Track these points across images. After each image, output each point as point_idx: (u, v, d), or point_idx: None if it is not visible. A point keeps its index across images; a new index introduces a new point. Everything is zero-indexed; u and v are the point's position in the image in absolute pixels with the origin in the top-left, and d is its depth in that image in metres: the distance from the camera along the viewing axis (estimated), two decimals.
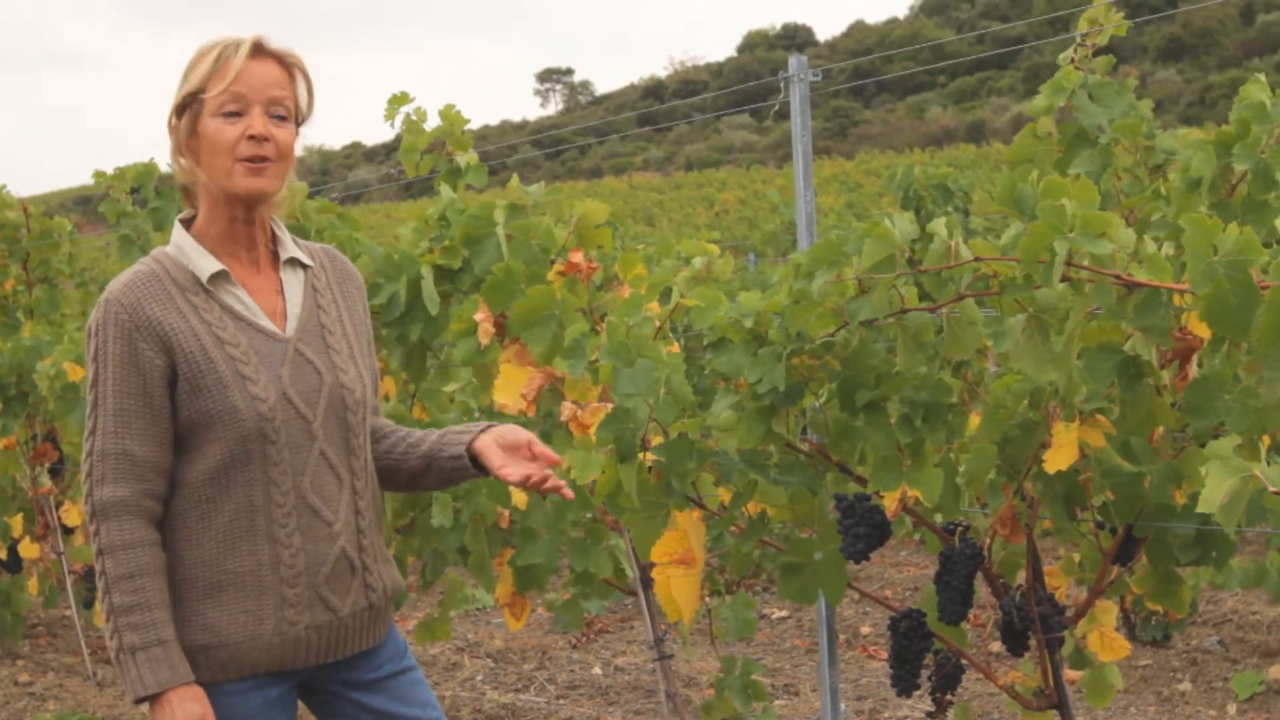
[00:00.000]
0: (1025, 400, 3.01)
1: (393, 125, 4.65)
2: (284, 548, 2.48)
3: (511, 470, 2.55)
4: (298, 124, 2.56)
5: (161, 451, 2.46)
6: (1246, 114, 2.97)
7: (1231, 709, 5.50)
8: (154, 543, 2.45)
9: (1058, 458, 2.85)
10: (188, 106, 2.49)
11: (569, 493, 2.57)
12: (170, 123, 2.53)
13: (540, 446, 2.57)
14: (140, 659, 2.40)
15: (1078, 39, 3.31)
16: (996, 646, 5.67)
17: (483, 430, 2.63)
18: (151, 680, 2.39)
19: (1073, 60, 3.31)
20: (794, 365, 3.02)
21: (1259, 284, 2.39)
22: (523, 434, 2.60)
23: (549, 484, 2.54)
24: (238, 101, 2.46)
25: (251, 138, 2.45)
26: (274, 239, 2.63)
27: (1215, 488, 2.28)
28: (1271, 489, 2.27)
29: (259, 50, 2.49)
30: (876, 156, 49.69)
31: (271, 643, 2.49)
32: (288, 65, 2.54)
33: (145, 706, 2.43)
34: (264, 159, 2.47)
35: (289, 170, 2.55)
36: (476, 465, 2.63)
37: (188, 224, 2.58)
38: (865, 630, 7.19)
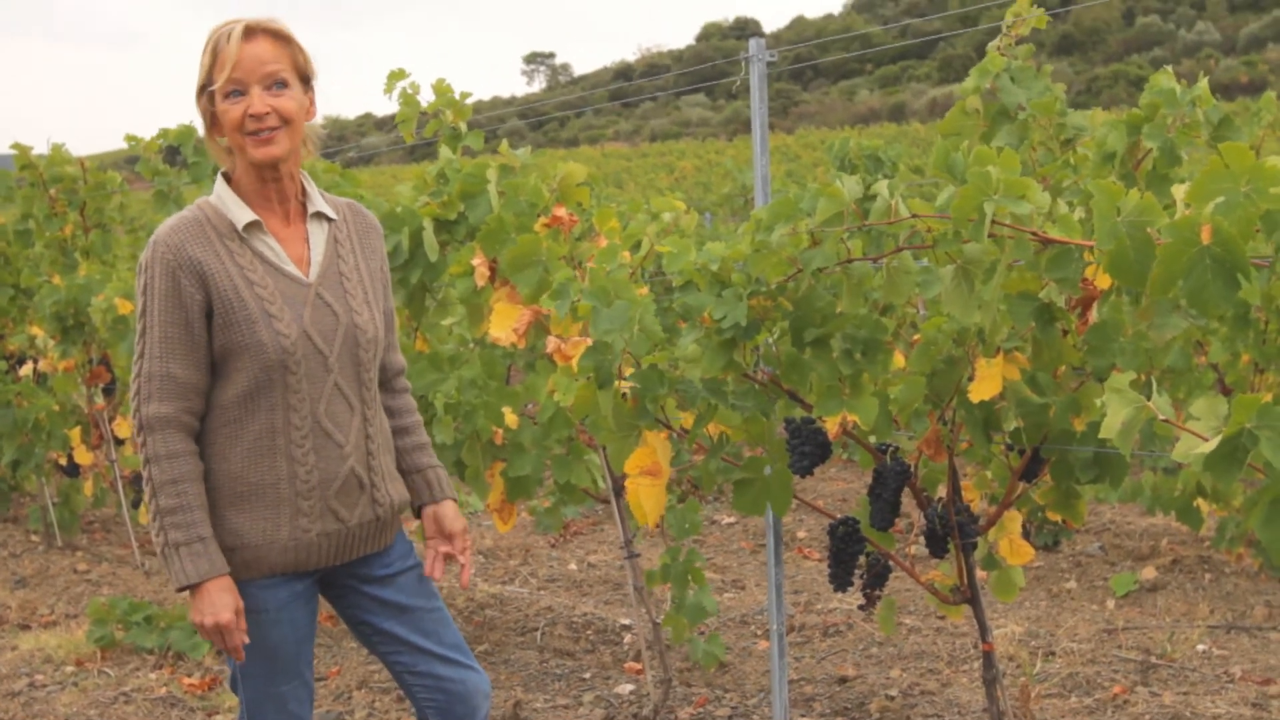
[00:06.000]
0: (952, 338, 2.96)
1: (391, 97, 4.55)
2: (300, 465, 2.45)
3: (431, 565, 2.70)
4: (304, 81, 2.50)
5: (200, 374, 2.43)
6: (1157, 99, 2.90)
7: (1110, 604, 5.52)
8: (193, 453, 2.43)
9: (982, 388, 2.80)
10: (204, 95, 2.47)
11: (463, 582, 2.71)
12: (199, 108, 2.51)
13: (461, 543, 2.72)
14: (183, 554, 2.37)
15: (1003, 29, 3.23)
16: (914, 549, 5.67)
17: (437, 502, 2.73)
18: (193, 572, 2.37)
19: (998, 48, 3.23)
20: (752, 305, 2.97)
21: (1156, 242, 2.34)
22: (458, 526, 2.73)
23: (443, 573, 2.71)
24: (238, 85, 2.42)
25: (253, 115, 2.41)
26: (304, 193, 2.58)
27: (1114, 416, 2.25)
28: (1161, 417, 2.24)
29: (249, 33, 2.43)
30: (812, 132, 49.55)
31: (286, 546, 2.47)
32: (279, 37, 2.46)
33: (187, 594, 2.40)
34: (269, 129, 2.42)
35: (299, 129, 2.49)
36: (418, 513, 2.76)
37: (229, 178, 2.53)
38: (801, 534, 7.18)
